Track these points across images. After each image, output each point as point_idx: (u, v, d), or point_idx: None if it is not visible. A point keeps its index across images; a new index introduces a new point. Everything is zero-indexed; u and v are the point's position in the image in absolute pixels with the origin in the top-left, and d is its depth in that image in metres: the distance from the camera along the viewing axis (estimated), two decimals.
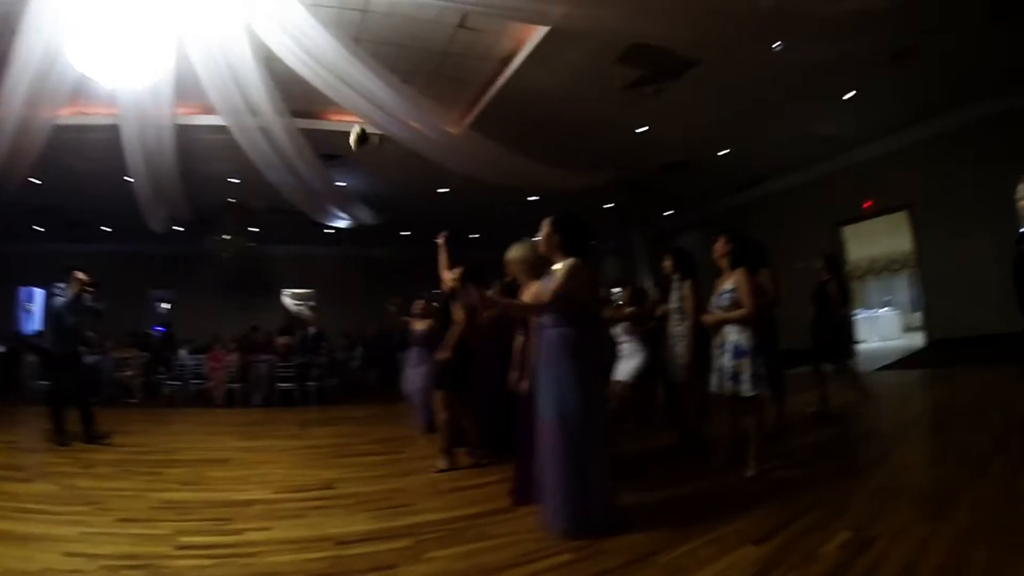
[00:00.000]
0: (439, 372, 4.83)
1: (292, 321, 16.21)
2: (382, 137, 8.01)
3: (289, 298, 18.30)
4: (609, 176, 11.48)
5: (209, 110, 7.74)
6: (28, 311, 15.87)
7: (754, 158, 12.10)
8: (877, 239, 15.67)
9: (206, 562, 2.69)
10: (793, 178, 13.31)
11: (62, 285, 9.31)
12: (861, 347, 12.92)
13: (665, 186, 13.26)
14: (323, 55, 6.38)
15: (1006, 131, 9.44)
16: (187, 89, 6.89)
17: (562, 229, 3.19)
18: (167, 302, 17.15)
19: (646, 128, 9.99)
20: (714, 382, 4.01)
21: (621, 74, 7.91)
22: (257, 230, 14.30)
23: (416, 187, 12.08)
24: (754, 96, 8.93)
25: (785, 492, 3.41)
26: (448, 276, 4.99)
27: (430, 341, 5.77)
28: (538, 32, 7.01)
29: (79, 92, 6.64)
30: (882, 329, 14.84)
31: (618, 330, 5.24)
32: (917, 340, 12.24)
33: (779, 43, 7.23)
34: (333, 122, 9.33)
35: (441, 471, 4.52)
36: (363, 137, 7.35)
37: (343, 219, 11.87)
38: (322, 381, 10.68)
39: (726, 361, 3.89)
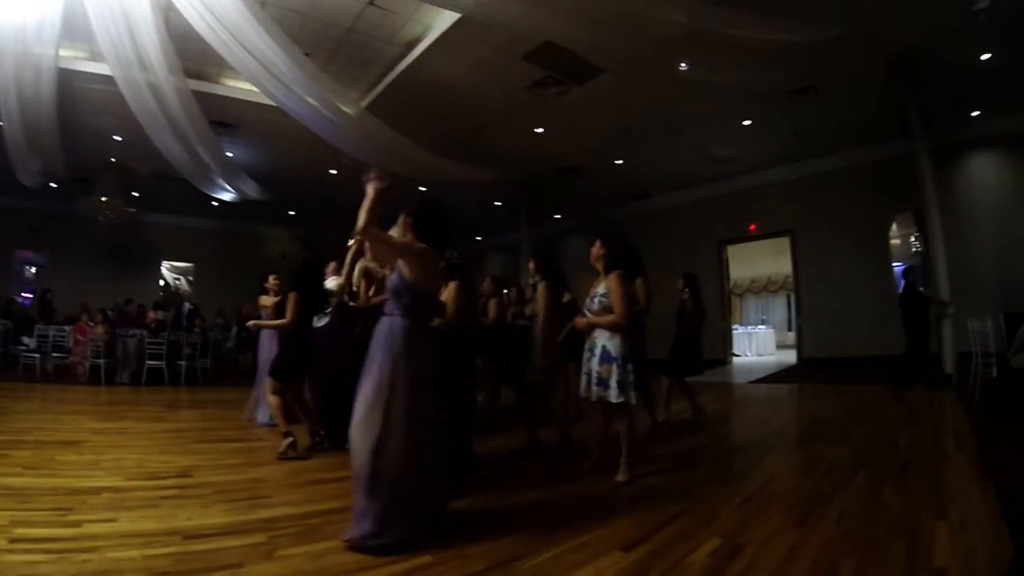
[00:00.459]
0: (274, 360, 4.85)
1: (171, 296, 15.32)
2: None
3: (168, 271, 17.24)
4: (503, 174, 11.59)
5: (97, 57, 7.20)
6: None
7: (647, 171, 12.62)
8: (759, 260, 16.88)
9: (40, 557, 2.43)
10: (684, 195, 14.01)
11: None
12: (737, 361, 13.78)
13: (558, 190, 13.58)
14: (225, 14, 6.06)
15: (884, 175, 10.59)
16: (75, 30, 6.39)
17: (415, 218, 3.06)
18: (36, 266, 15.63)
19: (542, 130, 10.15)
20: (583, 386, 3.97)
21: (526, 72, 7.99)
22: (138, 195, 13.41)
23: (307, 166, 11.78)
24: (654, 112, 9.32)
25: (655, 499, 3.41)
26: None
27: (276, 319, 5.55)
28: (448, 19, 6.97)
29: None
30: (758, 345, 15.81)
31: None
32: (790, 357, 13.21)
33: (685, 64, 7.53)
34: (228, 87, 8.87)
35: (284, 456, 4.47)
36: None
37: (229, 192, 11.30)
38: (193, 361, 10.11)
39: (594, 365, 3.85)
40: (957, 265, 8.49)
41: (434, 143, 9.56)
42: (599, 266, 4.05)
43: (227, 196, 11.61)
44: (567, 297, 6.13)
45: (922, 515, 2.92)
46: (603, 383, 3.78)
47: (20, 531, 2.75)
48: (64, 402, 7.65)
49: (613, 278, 3.85)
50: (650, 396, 5.75)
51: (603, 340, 3.84)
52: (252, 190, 11.21)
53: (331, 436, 4.78)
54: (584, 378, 3.96)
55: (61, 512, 3.05)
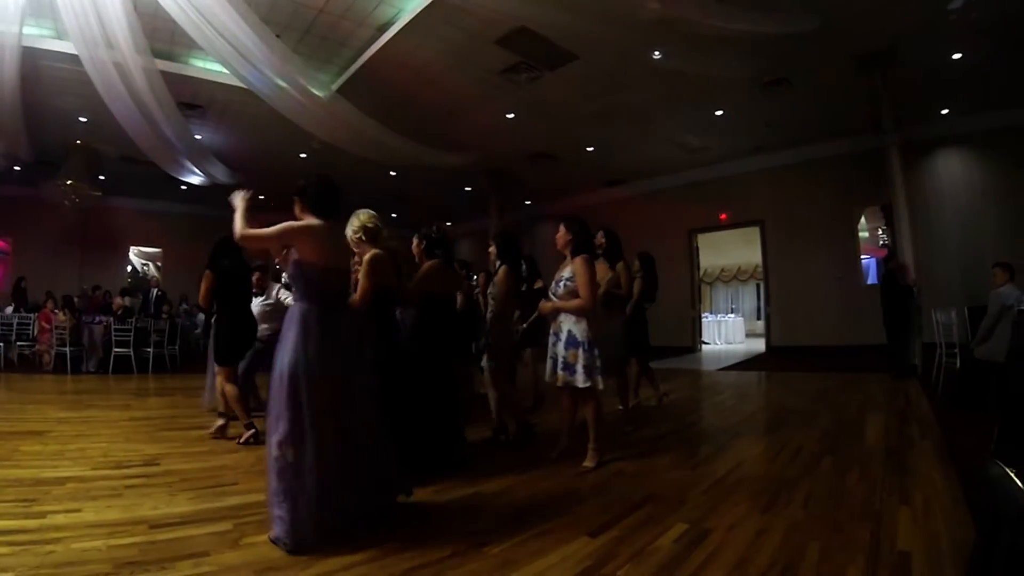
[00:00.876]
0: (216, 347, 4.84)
1: (139, 282, 15.00)
2: None
3: (136, 256, 16.86)
4: (472, 159, 11.53)
5: (63, 35, 6.99)
6: None
7: (619, 159, 12.65)
8: (729, 250, 17.12)
9: (3, 550, 2.38)
10: (655, 182, 14.12)
11: None
12: (706, 348, 13.94)
13: (528, 176, 13.55)
14: None
15: (853, 169, 10.79)
16: (40, 6, 6.18)
17: (303, 195, 2.87)
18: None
19: (513, 115, 10.09)
20: (548, 371, 3.91)
21: (499, 57, 7.92)
22: (105, 179, 13.01)
23: (277, 150, 11.55)
24: (626, 99, 9.31)
25: (623, 484, 3.40)
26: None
27: None
28: (420, 1, 6.85)
29: None
30: (727, 333, 16.06)
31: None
32: (760, 345, 13.42)
33: (659, 52, 7.52)
34: (197, 68, 8.66)
35: (243, 442, 4.49)
36: None
37: (198, 175, 11.07)
38: (161, 348, 9.96)
39: (560, 350, 3.79)
40: (923, 259, 8.69)
41: (405, 127, 9.47)
42: (567, 252, 3.95)
43: (196, 180, 11.36)
44: (538, 284, 6.11)
45: (887, 500, 2.95)
46: (569, 368, 3.72)
47: None
48: (29, 391, 7.55)
49: (579, 262, 3.78)
50: (624, 382, 5.79)
51: (569, 324, 3.77)
52: (221, 174, 10.99)
53: None
54: (550, 363, 3.90)
55: (25, 503, 2.99)
